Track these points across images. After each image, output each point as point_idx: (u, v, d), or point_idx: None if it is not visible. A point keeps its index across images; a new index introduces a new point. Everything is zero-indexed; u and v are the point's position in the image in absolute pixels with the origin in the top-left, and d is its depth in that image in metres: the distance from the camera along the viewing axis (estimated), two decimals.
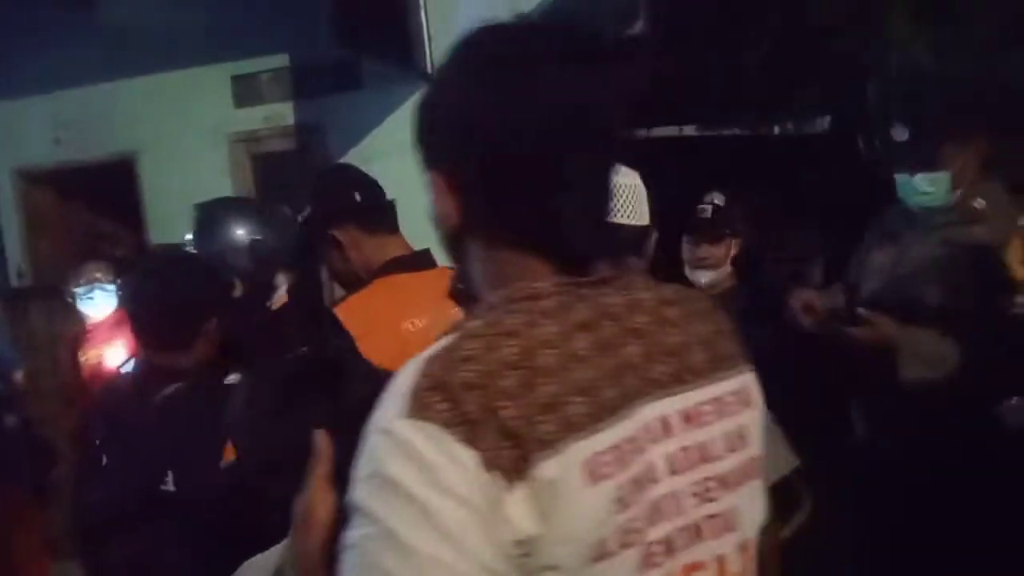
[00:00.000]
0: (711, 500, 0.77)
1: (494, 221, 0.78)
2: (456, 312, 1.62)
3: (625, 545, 0.70)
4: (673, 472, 0.75)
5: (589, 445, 0.69)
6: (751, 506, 0.81)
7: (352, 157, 4.19)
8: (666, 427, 0.75)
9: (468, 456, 0.65)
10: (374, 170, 2.05)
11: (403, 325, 1.75)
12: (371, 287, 1.85)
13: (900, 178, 1.98)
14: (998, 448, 1.77)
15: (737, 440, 0.80)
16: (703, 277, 2.50)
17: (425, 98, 0.82)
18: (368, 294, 1.83)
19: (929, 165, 1.93)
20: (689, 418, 0.77)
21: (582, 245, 0.78)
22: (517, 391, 0.68)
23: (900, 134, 1.95)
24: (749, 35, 4.07)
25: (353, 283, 1.92)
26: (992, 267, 1.90)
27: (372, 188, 2.02)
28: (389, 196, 2.02)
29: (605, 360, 0.73)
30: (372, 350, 1.50)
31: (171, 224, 4.19)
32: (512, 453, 0.66)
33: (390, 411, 0.68)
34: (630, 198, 1.54)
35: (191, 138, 4.88)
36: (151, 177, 5.04)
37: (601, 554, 0.68)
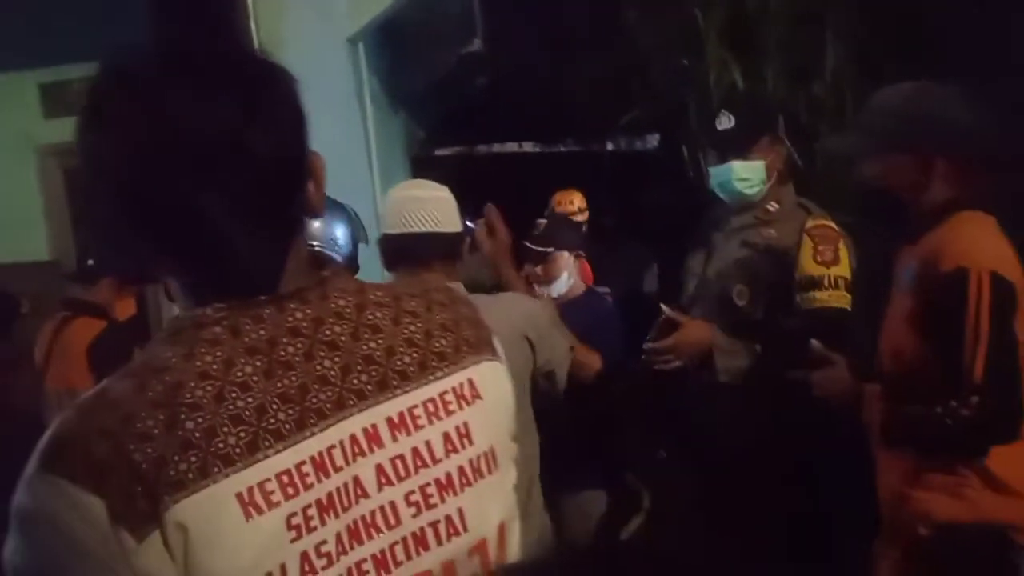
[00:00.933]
0: (432, 506, 0.74)
1: (159, 262, 0.74)
2: None
3: (311, 571, 0.67)
4: (385, 483, 0.72)
5: (244, 477, 0.65)
6: (484, 505, 0.77)
7: None
8: (372, 439, 0.72)
9: (96, 505, 0.62)
10: None
11: None
12: None
13: (719, 170, 2.10)
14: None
15: (460, 439, 0.76)
16: (543, 291, 2.55)
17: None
18: None
19: (749, 150, 2.06)
20: (399, 425, 0.73)
21: (244, 266, 0.70)
22: (157, 432, 0.64)
23: (725, 122, 2.08)
24: (580, 56, 4.24)
25: None
26: (784, 266, 2.04)
27: None
28: None
29: (279, 382, 0.69)
30: None
31: None
32: (142, 500, 0.63)
33: (31, 463, 0.65)
34: (440, 209, 1.78)
35: None
36: None
37: None
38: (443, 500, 0.74)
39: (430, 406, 0.75)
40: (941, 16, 2.91)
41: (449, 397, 0.76)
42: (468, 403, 0.77)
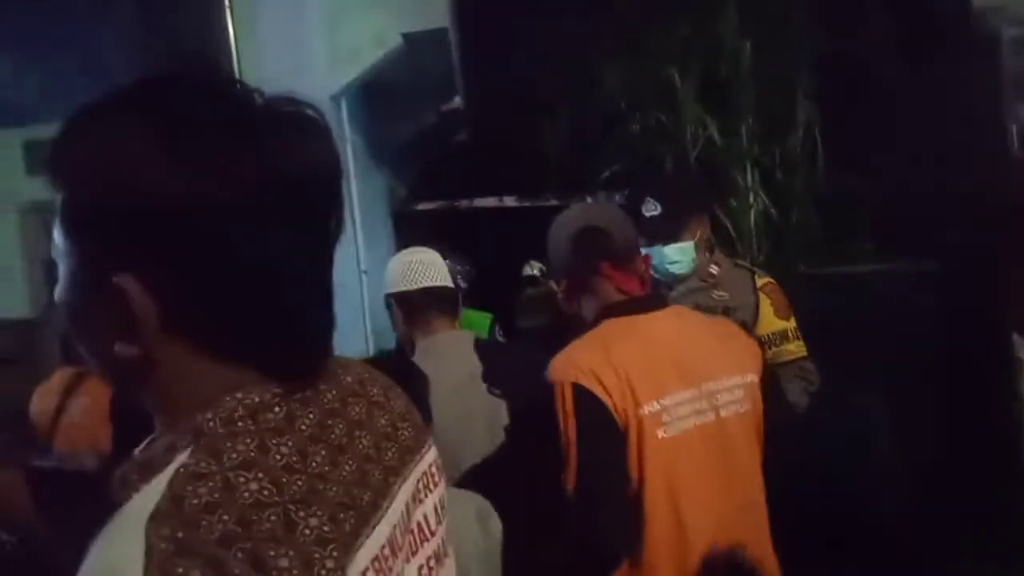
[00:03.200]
0: None
1: (200, 323, 0.61)
2: None
3: None
4: (411, 555, 0.71)
5: (359, 561, 0.62)
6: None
7: None
8: (408, 512, 0.71)
9: None
10: None
11: None
12: None
13: (652, 251, 2.08)
14: None
15: (441, 511, 0.77)
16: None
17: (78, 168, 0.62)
18: None
19: (676, 236, 2.11)
20: (415, 498, 0.73)
21: (311, 340, 0.66)
22: (283, 534, 0.57)
23: (651, 209, 2.12)
24: (559, 111, 4.32)
25: None
26: (742, 326, 2.14)
27: None
28: None
29: (344, 467, 0.65)
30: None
31: None
32: None
33: None
34: (437, 267, 2.00)
35: None
36: None
37: None
38: (438, 573, 0.75)
39: (426, 478, 0.75)
40: (898, 77, 3.02)
41: (434, 469, 0.77)
42: (442, 475, 0.79)
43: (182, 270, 0.59)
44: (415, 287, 1.98)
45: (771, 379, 1.59)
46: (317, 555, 0.58)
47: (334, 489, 0.63)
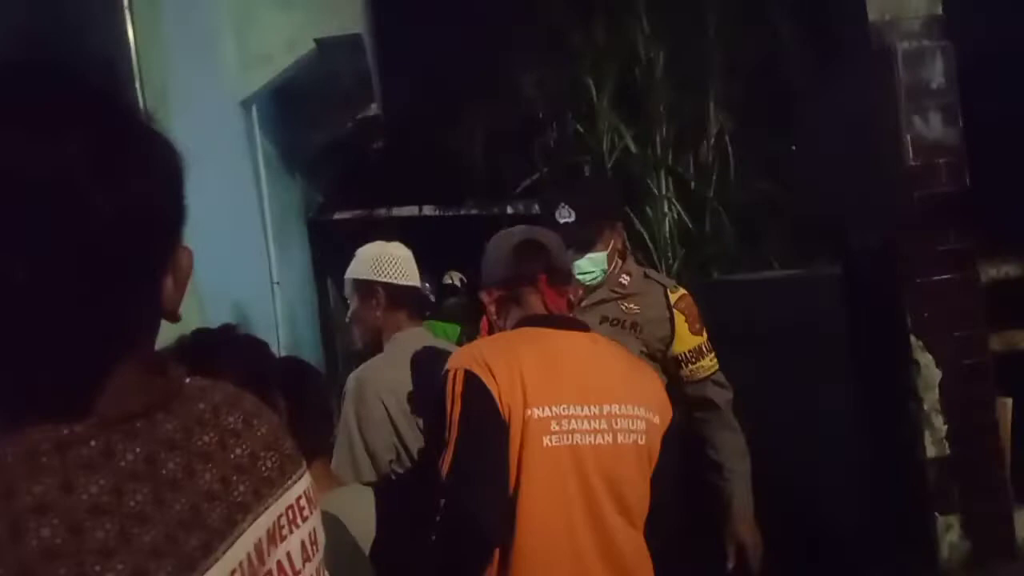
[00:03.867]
0: None
1: None
2: None
3: None
4: None
5: None
6: None
7: None
8: (259, 553, 0.65)
9: None
10: None
11: None
12: None
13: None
14: None
15: (311, 547, 0.71)
16: None
17: None
18: None
19: (590, 245, 2.07)
20: (272, 537, 0.66)
21: (55, 367, 0.56)
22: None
23: (565, 215, 2.08)
24: (479, 121, 4.32)
25: None
26: (652, 340, 2.08)
27: None
28: None
29: (177, 504, 0.59)
30: None
31: None
32: None
33: None
34: (408, 264, 2.05)
35: None
36: None
37: None
38: None
39: (291, 513, 0.69)
40: (803, 88, 3.12)
41: (303, 502, 0.70)
42: (315, 507, 0.72)
43: None
44: (405, 283, 2.02)
45: (672, 433, 1.56)
46: None
47: (151, 533, 0.56)
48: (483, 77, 4.23)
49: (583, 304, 2.12)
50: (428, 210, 4.88)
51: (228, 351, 1.33)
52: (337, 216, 4.64)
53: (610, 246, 2.12)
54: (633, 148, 4.07)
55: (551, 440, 1.41)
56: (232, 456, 0.65)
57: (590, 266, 2.09)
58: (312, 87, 4.21)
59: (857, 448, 2.97)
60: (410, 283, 2.04)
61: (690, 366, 2.08)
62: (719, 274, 3.46)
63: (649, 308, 2.10)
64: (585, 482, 1.42)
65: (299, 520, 0.69)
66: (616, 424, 1.45)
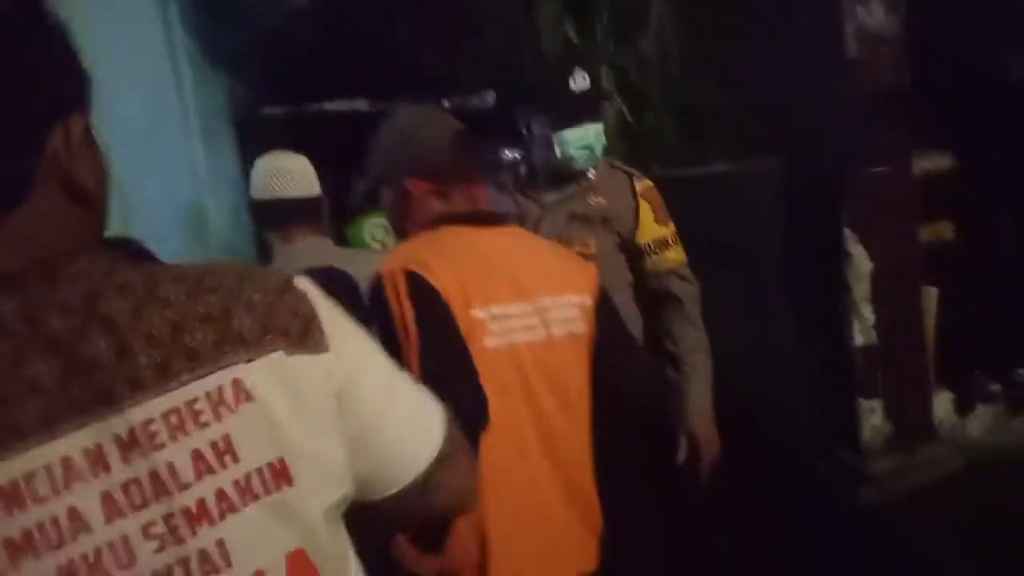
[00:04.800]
0: (181, 540, 0.61)
1: None
2: None
3: None
4: (115, 515, 0.60)
5: None
6: (260, 533, 0.64)
7: None
8: (95, 461, 0.59)
9: None
10: None
11: None
12: None
13: (577, 134, 1.97)
14: None
15: (217, 457, 0.63)
16: None
17: None
18: None
19: (600, 115, 2.00)
20: (131, 443, 0.60)
21: None
22: None
23: (581, 82, 1.96)
24: (413, 10, 4.13)
25: None
26: (620, 233, 2.02)
27: None
28: None
29: (41, 364, 0.58)
30: None
31: None
32: None
33: None
34: (299, 175, 1.98)
35: None
36: None
37: None
38: (194, 533, 0.61)
39: (173, 419, 0.61)
40: None
41: (202, 405, 0.62)
42: (231, 412, 0.63)
43: None
44: (272, 196, 1.97)
45: (606, 303, 1.49)
46: None
47: None
48: None
49: (550, 200, 2.06)
50: (360, 104, 4.70)
51: None
52: (266, 112, 4.44)
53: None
54: (575, 39, 3.95)
55: (492, 341, 1.35)
56: (147, 325, 0.62)
57: (598, 140, 1.99)
58: None
59: (793, 339, 3.06)
60: (275, 196, 1.96)
61: (653, 257, 2.03)
62: (660, 169, 3.43)
63: (616, 201, 2.02)
64: (526, 381, 1.37)
65: (190, 427, 0.62)
66: (549, 316, 1.41)
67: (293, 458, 0.65)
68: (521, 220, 2.00)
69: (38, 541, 0.57)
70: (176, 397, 0.62)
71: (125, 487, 0.60)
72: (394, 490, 0.76)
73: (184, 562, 0.61)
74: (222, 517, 0.62)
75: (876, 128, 2.71)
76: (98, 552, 0.59)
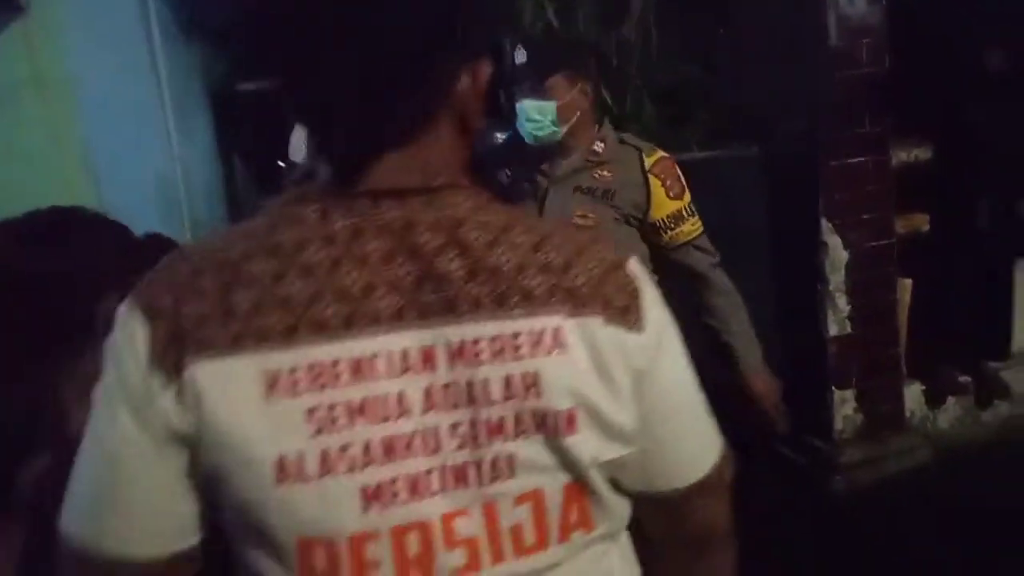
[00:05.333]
0: (478, 445, 0.69)
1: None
2: None
3: (334, 472, 0.67)
4: (430, 408, 0.69)
5: (274, 358, 0.65)
6: (544, 459, 0.71)
7: None
8: (425, 359, 0.68)
9: (143, 343, 0.67)
10: None
11: None
12: None
13: (519, 106, 2.04)
14: None
15: (524, 387, 0.70)
16: None
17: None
18: None
19: (537, 90, 2.02)
20: (459, 353, 0.69)
21: (349, 127, 0.68)
22: (209, 292, 0.66)
23: (519, 57, 2.05)
24: None
25: None
26: (628, 208, 2.01)
27: None
28: None
29: (345, 276, 0.67)
30: None
31: None
32: (173, 350, 0.66)
33: None
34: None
35: None
36: None
37: (294, 474, 0.66)
38: (490, 442, 0.69)
39: (497, 343, 0.69)
40: None
41: (521, 340, 0.69)
42: (546, 352, 0.70)
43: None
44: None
45: None
46: (218, 321, 0.65)
47: (304, 285, 0.66)
48: None
49: (557, 174, 2.09)
50: None
51: (84, 232, 1.20)
52: (242, 87, 4.36)
53: (566, 100, 2.03)
54: (556, 23, 3.91)
55: None
56: (442, 267, 0.69)
57: (537, 113, 2.02)
58: None
59: (770, 327, 3.07)
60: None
61: (669, 232, 2.03)
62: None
63: (621, 174, 2.03)
64: None
65: (508, 356, 0.69)
66: None
67: (583, 412, 0.71)
68: (522, 196, 2.09)
69: (372, 411, 0.67)
70: (505, 326, 0.69)
71: (445, 387, 0.69)
72: (645, 491, 0.79)
73: (477, 463, 0.69)
74: (515, 437, 0.70)
75: (855, 118, 2.71)
76: (413, 434, 0.68)
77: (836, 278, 2.84)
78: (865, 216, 2.80)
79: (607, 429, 0.72)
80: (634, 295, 0.74)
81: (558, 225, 0.77)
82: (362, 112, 0.67)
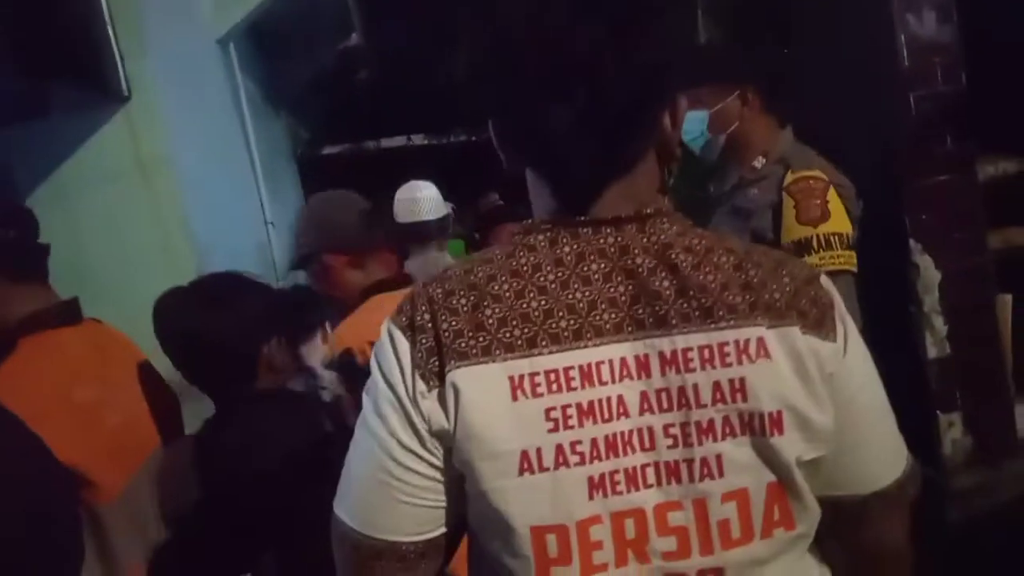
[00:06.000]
0: (689, 444, 0.77)
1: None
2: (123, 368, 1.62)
3: (565, 464, 0.75)
4: (646, 410, 0.77)
5: (518, 365, 0.76)
6: (751, 459, 0.78)
7: (43, 191, 3.74)
8: (641, 366, 0.77)
9: (406, 352, 0.79)
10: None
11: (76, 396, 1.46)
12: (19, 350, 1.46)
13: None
14: None
15: (731, 392, 0.77)
16: None
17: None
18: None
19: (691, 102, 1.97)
20: (670, 362, 0.77)
21: (570, 170, 0.80)
22: (463, 311, 0.78)
23: None
24: (456, 46, 4.22)
25: None
26: (765, 222, 1.88)
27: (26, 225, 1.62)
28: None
29: (572, 294, 0.78)
30: (49, 433, 1.19)
31: None
32: (436, 358, 0.77)
33: None
34: (433, 201, 2.46)
35: None
36: None
37: (530, 467, 0.75)
38: (700, 442, 0.77)
39: (705, 352, 0.77)
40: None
41: (728, 349, 0.77)
42: (751, 360, 0.77)
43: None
44: (412, 220, 2.45)
45: None
46: (471, 334, 0.77)
47: (541, 302, 0.78)
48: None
49: (712, 192, 1.98)
50: (417, 139, 4.79)
51: (239, 293, 1.49)
52: (326, 151, 4.57)
53: (718, 108, 1.92)
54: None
55: None
56: (653, 283, 0.79)
57: (687, 123, 1.96)
58: (290, 21, 4.09)
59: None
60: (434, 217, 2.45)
61: None
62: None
63: (766, 193, 1.87)
64: None
65: (716, 362, 0.77)
66: None
67: (788, 414, 0.77)
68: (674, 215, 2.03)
69: (597, 411, 0.76)
70: (712, 336, 0.77)
71: (658, 392, 0.77)
72: (829, 494, 0.85)
73: (689, 462, 0.77)
74: (723, 437, 0.77)
75: (935, 138, 2.65)
76: (631, 433, 0.77)
77: (930, 299, 2.76)
78: (955, 235, 2.72)
79: (809, 430, 0.78)
80: (827, 307, 0.82)
81: (752, 246, 0.85)
82: (593, 155, 0.79)
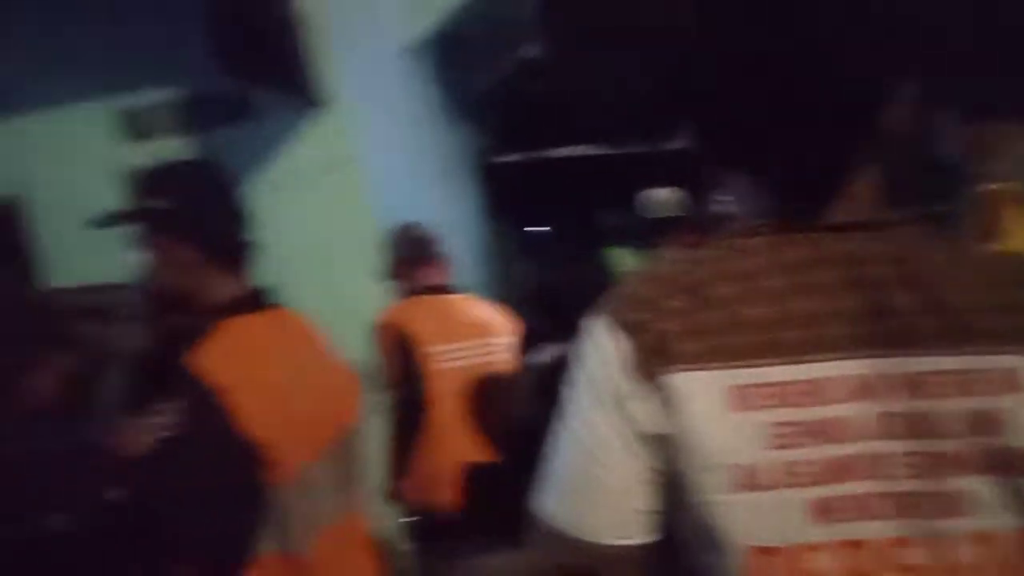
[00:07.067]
0: (932, 477, 0.70)
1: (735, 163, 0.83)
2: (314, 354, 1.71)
3: (786, 485, 0.70)
4: (883, 435, 0.71)
5: (739, 375, 0.71)
6: (1003, 500, 0.70)
7: (246, 190, 4.05)
8: (880, 388, 0.71)
9: (618, 351, 0.75)
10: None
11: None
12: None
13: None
14: None
15: (981, 423, 0.70)
16: None
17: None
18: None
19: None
20: (912, 385, 0.71)
21: (800, 176, 0.77)
22: (683, 313, 0.74)
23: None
24: (644, 53, 4.16)
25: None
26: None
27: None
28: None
29: (798, 303, 0.73)
30: (242, 411, 1.29)
31: (70, 268, 3.95)
32: (655, 359, 0.73)
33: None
34: (676, 202, 2.99)
35: (80, 177, 4.63)
36: (42, 221, 4.74)
37: (748, 483, 0.70)
38: (944, 477, 0.70)
39: (955, 378, 0.71)
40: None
41: (977, 376, 0.71)
42: (1008, 390, 0.71)
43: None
44: (655, 216, 3.00)
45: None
46: (690, 338, 0.73)
47: (764, 309, 0.73)
48: (646, 8, 4.03)
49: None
50: (594, 149, 4.80)
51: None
52: (505, 160, 4.67)
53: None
54: None
55: (440, 366, 2.48)
56: (893, 296, 0.72)
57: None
58: (473, 31, 4.22)
59: None
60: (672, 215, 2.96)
61: None
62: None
63: None
64: (460, 388, 2.47)
65: (966, 390, 0.71)
66: (480, 351, 2.48)
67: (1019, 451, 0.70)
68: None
69: (823, 431, 0.71)
70: (959, 362, 0.71)
71: (898, 416, 0.71)
72: None
73: (933, 496, 0.70)
74: (970, 473, 0.70)
75: None
76: (862, 457, 0.71)
77: None
78: None
79: None
80: None
81: (1004, 260, 0.78)
82: (823, 163, 0.75)
